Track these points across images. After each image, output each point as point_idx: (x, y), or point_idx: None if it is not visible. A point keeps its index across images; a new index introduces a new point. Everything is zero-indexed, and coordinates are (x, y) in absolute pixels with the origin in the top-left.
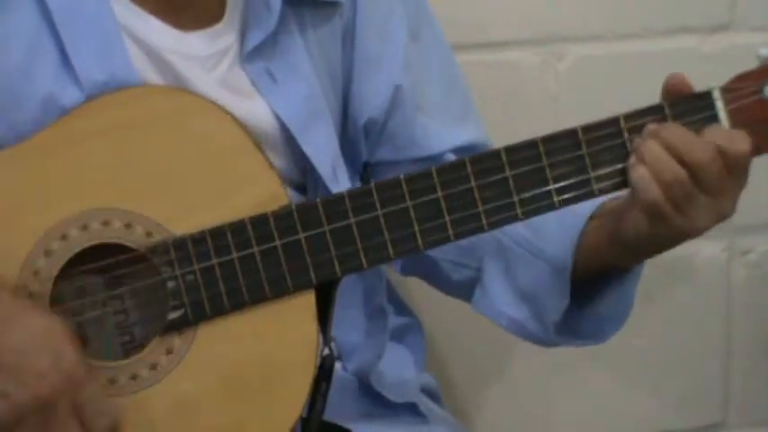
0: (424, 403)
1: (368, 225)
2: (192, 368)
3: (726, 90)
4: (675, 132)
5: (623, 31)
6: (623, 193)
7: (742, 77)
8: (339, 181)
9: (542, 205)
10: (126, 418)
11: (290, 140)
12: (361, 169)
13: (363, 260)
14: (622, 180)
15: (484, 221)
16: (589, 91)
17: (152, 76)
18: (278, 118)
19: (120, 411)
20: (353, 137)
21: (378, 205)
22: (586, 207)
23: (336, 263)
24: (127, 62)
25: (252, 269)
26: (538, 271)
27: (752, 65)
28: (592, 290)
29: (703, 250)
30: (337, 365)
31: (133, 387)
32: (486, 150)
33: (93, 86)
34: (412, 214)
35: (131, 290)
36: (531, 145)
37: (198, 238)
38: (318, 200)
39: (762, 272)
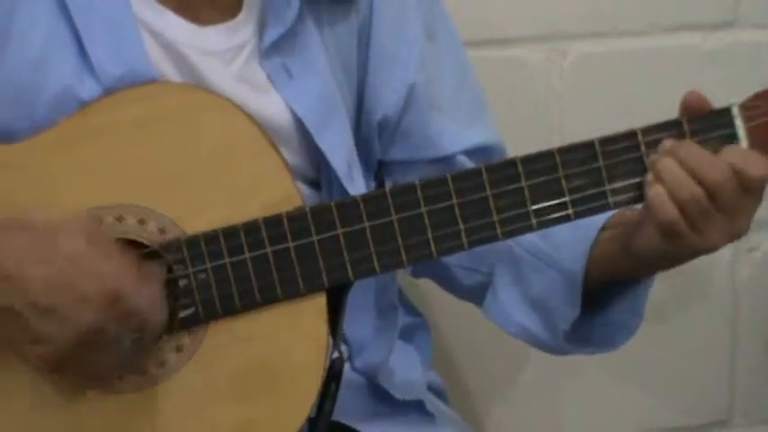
0: (431, 401)
1: (382, 230)
2: (201, 366)
3: (745, 107)
4: (693, 151)
5: (627, 28)
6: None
7: (761, 95)
8: (354, 178)
9: (557, 217)
10: (134, 414)
11: (305, 136)
12: (376, 168)
13: (376, 265)
14: (638, 194)
15: (498, 231)
16: (593, 88)
17: (169, 71)
18: (294, 114)
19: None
20: (367, 135)
21: (392, 210)
22: (600, 217)
23: (349, 266)
24: (144, 56)
25: (264, 270)
26: (549, 280)
27: (755, 62)
28: (603, 298)
29: None
30: (346, 366)
31: (142, 383)
32: (502, 159)
33: (111, 80)
34: (426, 221)
35: None
36: (547, 155)
37: (211, 237)
38: (333, 203)
39: (766, 270)
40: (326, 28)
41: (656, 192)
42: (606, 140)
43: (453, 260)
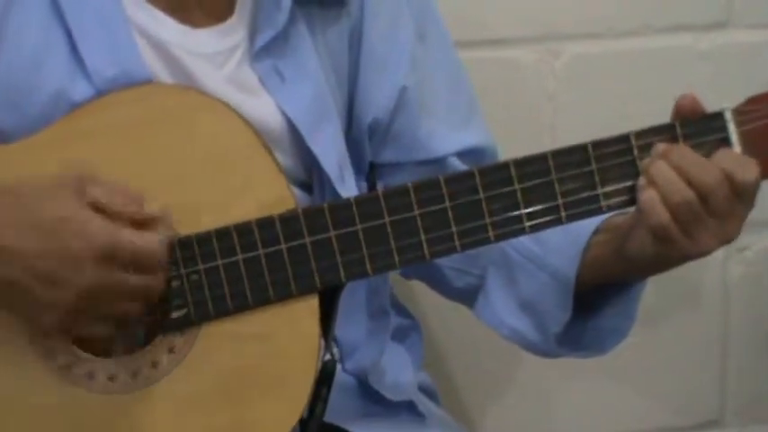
0: (422, 402)
1: (374, 232)
2: (192, 368)
3: (738, 112)
4: (685, 155)
5: (621, 28)
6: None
7: (754, 100)
8: (345, 181)
9: (550, 220)
10: (125, 415)
11: (297, 139)
12: (367, 169)
13: (369, 267)
14: (630, 198)
15: (491, 233)
16: (586, 88)
17: (161, 72)
18: (285, 116)
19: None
20: (358, 137)
21: (385, 212)
22: (592, 221)
23: (341, 269)
24: (137, 57)
25: (257, 271)
26: (540, 282)
27: (748, 63)
28: (595, 302)
29: None
30: (337, 368)
31: (133, 384)
32: (496, 162)
33: (104, 81)
34: (419, 223)
35: None
36: (540, 158)
37: (203, 238)
38: (325, 205)
39: (758, 269)
40: (318, 31)
41: (648, 195)
42: (599, 144)
43: (445, 262)
